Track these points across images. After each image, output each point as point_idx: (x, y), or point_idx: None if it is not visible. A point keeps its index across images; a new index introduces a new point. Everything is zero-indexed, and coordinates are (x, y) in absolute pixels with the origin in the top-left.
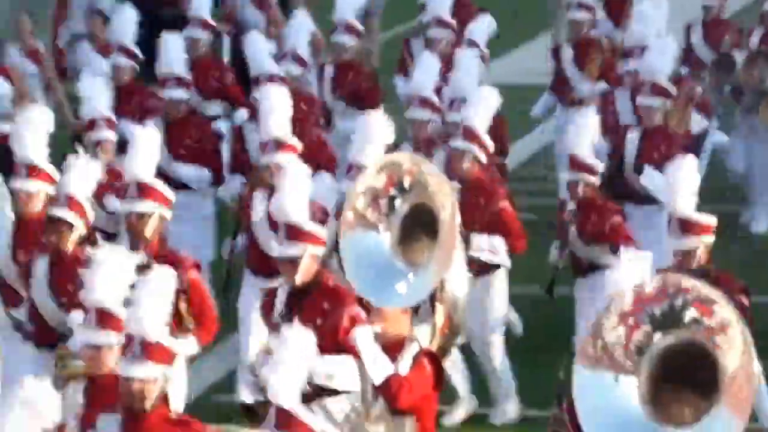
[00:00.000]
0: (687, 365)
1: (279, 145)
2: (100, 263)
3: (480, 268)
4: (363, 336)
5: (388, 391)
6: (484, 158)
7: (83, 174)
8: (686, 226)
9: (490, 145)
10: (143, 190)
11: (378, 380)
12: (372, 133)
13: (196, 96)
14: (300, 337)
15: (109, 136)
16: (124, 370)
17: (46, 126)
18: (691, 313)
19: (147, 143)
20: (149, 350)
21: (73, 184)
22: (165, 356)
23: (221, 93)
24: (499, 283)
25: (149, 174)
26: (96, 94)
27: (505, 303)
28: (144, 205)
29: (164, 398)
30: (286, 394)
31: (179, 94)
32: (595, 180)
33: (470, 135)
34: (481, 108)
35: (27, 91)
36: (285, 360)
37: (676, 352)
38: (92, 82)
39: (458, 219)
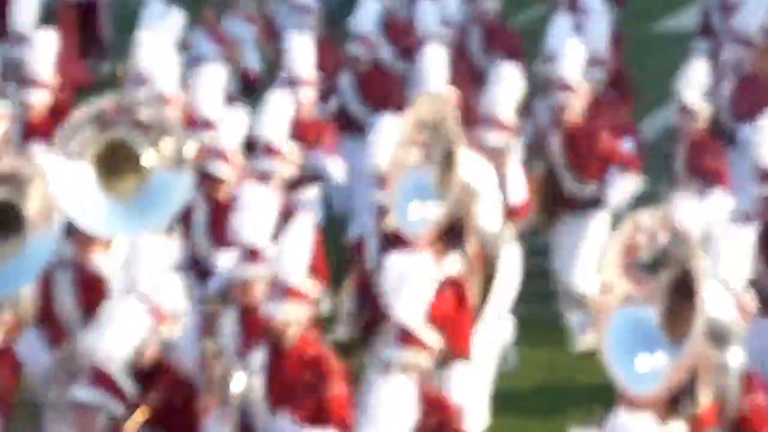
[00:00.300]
0: (683, 289)
1: None
2: (248, 203)
3: (578, 205)
4: (394, 263)
5: None
6: (579, 106)
7: (233, 125)
8: (766, 176)
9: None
10: (270, 151)
11: None
12: (507, 85)
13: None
14: (424, 262)
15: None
16: (268, 311)
17: (221, 82)
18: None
19: (278, 107)
20: (290, 293)
21: (223, 136)
22: (304, 298)
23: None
24: (597, 224)
25: (277, 136)
26: (298, 51)
27: (598, 246)
28: (268, 165)
29: (306, 336)
30: (409, 312)
31: (359, 51)
32: (703, 124)
33: (566, 87)
34: (569, 60)
35: (237, 58)
36: (409, 281)
37: (675, 282)
38: (297, 39)
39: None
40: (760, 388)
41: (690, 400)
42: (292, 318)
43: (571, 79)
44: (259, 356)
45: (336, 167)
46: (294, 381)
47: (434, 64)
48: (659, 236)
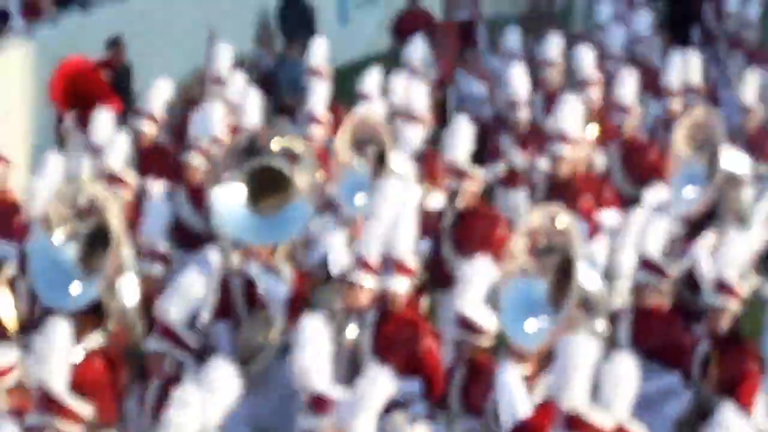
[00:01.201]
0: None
1: None
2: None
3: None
4: None
5: None
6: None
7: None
8: None
9: None
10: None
11: None
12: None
13: None
14: None
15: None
16: (381, 284)
17: None
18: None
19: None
20: (399, 267)
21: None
22: (408, 272)
23: None
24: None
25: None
26: None
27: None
28: None
29: (409, 304)
30: None
31: None
32: None
33: (623, 110)
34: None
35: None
36: None
37: (559, 263)
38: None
39: None
40: None
41: None
42: (400, 289)
43: (627, 103)
44: (369, 315)
45: None
46: (395, 337)
47: None
48: (549, 230)
